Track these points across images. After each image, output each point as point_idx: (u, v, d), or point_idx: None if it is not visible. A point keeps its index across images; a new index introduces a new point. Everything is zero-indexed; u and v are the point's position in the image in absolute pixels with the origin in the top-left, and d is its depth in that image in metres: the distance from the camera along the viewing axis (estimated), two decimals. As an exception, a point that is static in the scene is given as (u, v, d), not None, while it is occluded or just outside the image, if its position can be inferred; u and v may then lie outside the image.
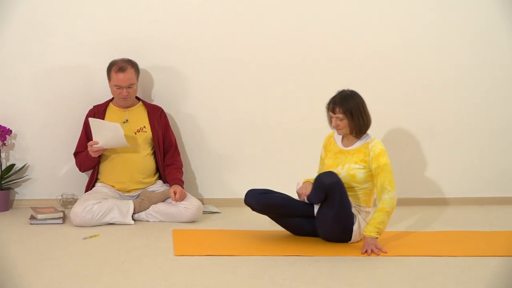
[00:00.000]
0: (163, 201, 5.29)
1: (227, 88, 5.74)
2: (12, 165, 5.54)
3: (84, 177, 5.55)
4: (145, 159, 5.36)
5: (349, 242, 4.65)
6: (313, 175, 4.88)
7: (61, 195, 5.55)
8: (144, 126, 5.38)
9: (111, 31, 5.58)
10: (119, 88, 5.28)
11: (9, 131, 5.46)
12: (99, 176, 5.40)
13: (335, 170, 4.65)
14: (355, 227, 4.61)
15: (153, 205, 5.23)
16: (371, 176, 4.63)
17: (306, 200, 4.64)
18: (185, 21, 5.63)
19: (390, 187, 4.55)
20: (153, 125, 5.39)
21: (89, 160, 5.29)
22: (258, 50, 5.72)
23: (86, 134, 5.36)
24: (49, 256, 4.33)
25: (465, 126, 5.92)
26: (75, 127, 5.52)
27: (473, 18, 5.82)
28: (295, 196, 4.72)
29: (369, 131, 4.68)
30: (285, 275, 4.02)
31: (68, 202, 5.51)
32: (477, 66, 5.88)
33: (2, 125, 5.44)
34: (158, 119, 5.43)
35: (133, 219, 5.15)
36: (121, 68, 5.26)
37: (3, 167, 5.52)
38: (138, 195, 5.33)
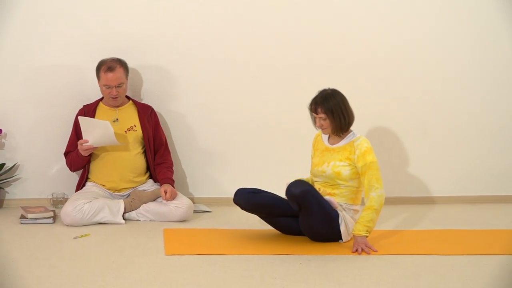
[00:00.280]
0: (154, 200, 5.28)
1: (217, 87, 5.73)
2: (2, 165, 5.53)
3: (75, 177, 5.54)
4: (135, 158, 5.35)
5: (341, 241, 4.65)
6: (304, 175, 4.89)
7: (52, 195, 5.53)
8: (134, 125, 5.37)
9: (101, 30, 5.56)
10: (108, 88, 5.27)
11: (-1, 131, 5.46)
12: (89, 176, 5.39)
13: (321, 168, 4.66)
14: (342, 228, 4.60)
15: (144, 205, 5.23)
16: (356, 173, 4.62)
17: None
18: (176, 20, 5.63)
19: (378, 185, 4.55)
20: (143, 124, 5.38)
21: (79, 159, 5.28)
22: (249, 49, 5.71)
23: (76, 134, 5.35)
24: (39, 256, 4.32)
25: (458, 126, 5.92)
26: (66, 127, 5.51)
27: (472, 18, 5.82)
28: (285, 196, 4.72)
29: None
30: (276, 274, 4.03)
31: (59, 202, 5.50)
32: (475, 66, 5.88)
33: (-8, 125, 5.45)
34: (148, 117, 5.43)
35: (123, 219, 5.14)
36: (110, 67, 5.26)
37: (-7, 167, 5.52)
38: (129, 195, 5.33)
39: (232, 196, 4.77)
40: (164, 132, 5.55)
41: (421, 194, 5.94)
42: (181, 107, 5.71)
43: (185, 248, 4.53)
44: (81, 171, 5.43)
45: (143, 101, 5.61)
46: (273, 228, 4.86)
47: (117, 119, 5.35)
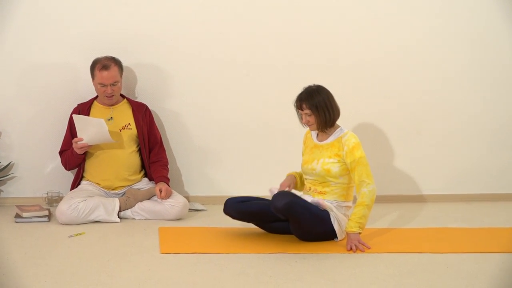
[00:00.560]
0: (149, 198, 5.28)
1: (212, 86, 5.73)
2: (-3, 163, 5.54)
3: (70, 175, 5.54)
4: (130, 156, 5.35)
5: (336, 240, 4.65)
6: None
7: (47, 193, 5.53)
8: (129, 123, 5.37)
9: (96, 28, 5.56)
10: (103, 86, 5.27)
11: (-7, 129, 5.46)
12: (84, 174, 5.39)
13: (311, 165, 4.65)
14: (336, 226, 4.59)
15: (139, 203, 5.23)
16: (346, 170, 4.61)
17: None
18: (171, 18, 5.62)
19: (369, 180, 4.54)
20: (138, 122, 5.38)
21: (74, 158, 5.28)
22: (245, 49, 5.71)
23: (71, 132, 5.35)
24: (34, 254, 4.32)
25: (455, 125, 5.92)
26: (61, 125, 5.51)
27: (471, 17, 5.82)
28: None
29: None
30: (271, 272, 4.03)
31: (54, 200, 5.50)
32: (474, 66, 5.88)
33: (-13, 123, 5.44)
34: (143, 116, 5.42)
35: (118, 217, 5.14)
36: (105, 66, 5.25)
37: (-12, 165, 5.51)
38: (124, 193, 5.33)
39: (227, 194, 4.80)
40: (159, 130, 5.55)
41: (416, 192, 5.94)
42: (176, 106, 5.71)
43: (180, 246, 4.53)
44: (76, 169, 5.43)
45: (138, 100, 5.61)
46: (268, 228, 4.87)
47: (111, 117, 5.35)
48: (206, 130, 5.77)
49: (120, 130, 5.32)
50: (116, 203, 5.15)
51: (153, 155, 5.45)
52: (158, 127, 5.54)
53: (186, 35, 5.66)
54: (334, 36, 5.76)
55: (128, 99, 5.46)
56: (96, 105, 5.41)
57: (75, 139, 5.17)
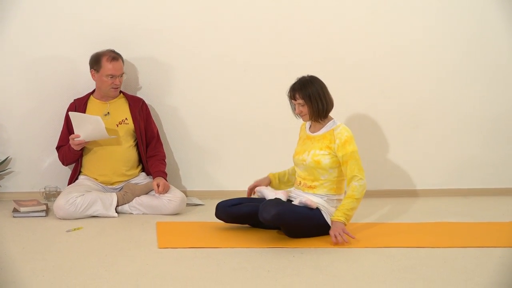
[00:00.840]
0: (147, 193, 5.28)
1: (210, 81, 5.72)
2: (-6, 158, 5.53)
3: (67, 170, 5.53)
4: (127, 151, 5.34)
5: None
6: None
7: (44, 188, 5.53)
8: (126, 118, 5.36)
9: (94, 23, 5.55)
10: (112, 78, 5.26)
11: (-9, 124, 5.45)
12: (82, 169, 5.38)
13: (301, 157, 4.65)
14: (329, 221, 4.57)
15: (137, 198, 5.23)
16: (336, 162, 4.59)
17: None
18: (170, 13, 5.61)
19: (360, 175, 4.53)
20: (134, 117, 5.37)
21: (71, 154, 5.27)
22: (245, 47, 5.70)
23: (68, 128, 5.34)
24: (32, 249, 4.32)
25: (452, 121, 5.92)
26: (58, 120, 5.50)
27: (469, 17, 5.81)
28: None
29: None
30: (269, 267, 4.03)
31: (51, 195, 5.49)
32: (471, 63, 5.88)
33: (-16, 118, 5.43)
34: (140, 110, 5.41)
35: (116, 212, 5.14)
36: (114, 57, 5.26)
37: (-15, 160, 5.50)
38: (122, 188, 5.32)
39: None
40: (156, 124, 5.55)
41: (414, 187, 5.94)
42: (173, 100, 5.70)
43: (178, 241, 4.53)
44: (73, 164, 5.42)
45: (136, 94, 5.60)
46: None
47: (108, 112, 5.34)
48: (204, 125, 5.76)
49: (117, 125, 5.31)
50: (113, 198, 5.15)
51: (150, 150, 5.44)
52: (155, 122, 5.54)
53: (185, 30, 5.64)
54: (333, 35, 5.75)
55: (124, 94, 5.45)
56: (92, 100, 5.39)
57: (71, 136, 5.16)
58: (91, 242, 4.50)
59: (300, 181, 4.71)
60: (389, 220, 5.14)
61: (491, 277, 3.92)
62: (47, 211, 5.17)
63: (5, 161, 5.58)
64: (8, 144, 5.59)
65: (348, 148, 4.55)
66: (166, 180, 5.31)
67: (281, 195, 4.61)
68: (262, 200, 4.68)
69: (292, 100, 4.66)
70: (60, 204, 5.01)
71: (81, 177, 5.36)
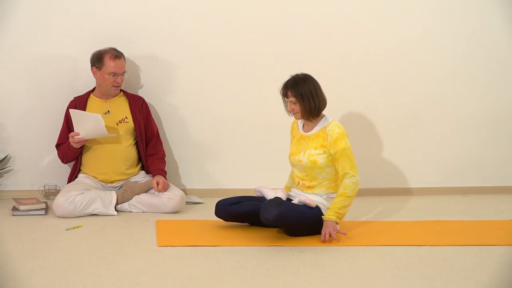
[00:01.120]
0: (146, 191, 5.28)
1: (210, 79, 5.72)
2: (-6, 156, 5.53)
3: (67, 168, 5.53)
4: (127, 149, 5.34)
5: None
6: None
7: (44, 186, 5.53)
8: (126, 117, 5.36)
9: (94, 20, 5.54)
10: (114, 75, 5.26)
11: (-10, 122, 5.45)
12: (81, 167, 5.38)
13: (297, 157, 4.64)
14: None
15: (136, 196, 5.23)
16: (332, 160, 4.57)
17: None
18: (171, 11, 5.61)
19: (353, 172, 4.52)
20: (134, 115, 5.37)
21: (71, 152, 5.27)
22: (244, 45, 5.70)
23: (68, 126, 5.34)
24: (31, 247, 4.32)
25: (451, 119, 5.93)
26: (58, 118, 5.50)
27: (468, 15, 5.82)
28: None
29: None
30: (268, 265, 4.03)
31: (51, 193, 5.49)
32: (470, 61, 5.89)
33: (-16, 116, 5.43)
34: (140, 109, 5.41)
35: (116, 210, 5.14)
36: (117, 55, 5.26)
37: (-15, 158, 5.50)
38: (121, 186, 5.32)
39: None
40: (156, 123, 5.54)
41: (412, 185, 5.94)
42: (173, 99, 5.70)
43: (177, 239, 4.53)
44: (73, 162, 5.42)
45: (136, 93, 5.60)
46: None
47: (108, 111, 5.34)
48: (204, 123, 5.76)
49: (117, 124, 5.31)
50: (113, 196, 5.15)
51: (150, 148, 5.44)
52: (155, 120, 5.54)
53: (185, 28, 5.64)
54: (332, 33, 5.75)
55: (124, 92, 5.45)
56: (92, 98, 5.39)
57: (71, 134, 5.16)
58: (90, 241, 4.49)
59: (298, 182, 4.70)
60: (388, 218, 5.15)
61: (491, 275, 3.92)
62: (47, 209, 5.16)
63: (5, 159, 5.58)
64: (8, 142, 5.59)
65: (339, 145, 4.53)
66: (166, 179, 5.31)
67: (281, 194, 4.61)
68: (261, 198, 4.68)
69: (285, 98, 4.64)
70: (60, 202, 5.00)
71: (80, 175, 5.36)
